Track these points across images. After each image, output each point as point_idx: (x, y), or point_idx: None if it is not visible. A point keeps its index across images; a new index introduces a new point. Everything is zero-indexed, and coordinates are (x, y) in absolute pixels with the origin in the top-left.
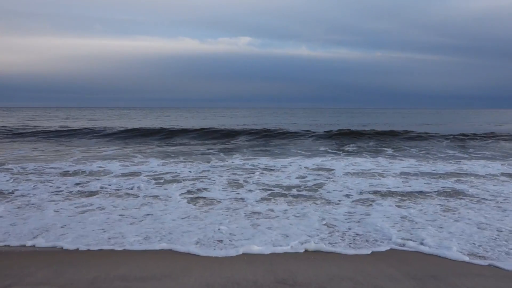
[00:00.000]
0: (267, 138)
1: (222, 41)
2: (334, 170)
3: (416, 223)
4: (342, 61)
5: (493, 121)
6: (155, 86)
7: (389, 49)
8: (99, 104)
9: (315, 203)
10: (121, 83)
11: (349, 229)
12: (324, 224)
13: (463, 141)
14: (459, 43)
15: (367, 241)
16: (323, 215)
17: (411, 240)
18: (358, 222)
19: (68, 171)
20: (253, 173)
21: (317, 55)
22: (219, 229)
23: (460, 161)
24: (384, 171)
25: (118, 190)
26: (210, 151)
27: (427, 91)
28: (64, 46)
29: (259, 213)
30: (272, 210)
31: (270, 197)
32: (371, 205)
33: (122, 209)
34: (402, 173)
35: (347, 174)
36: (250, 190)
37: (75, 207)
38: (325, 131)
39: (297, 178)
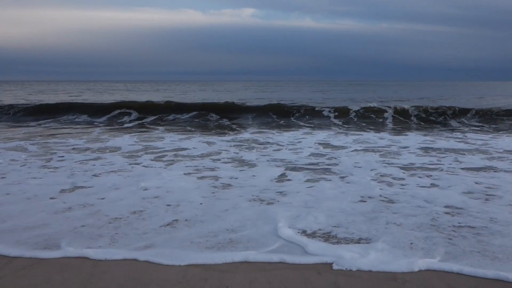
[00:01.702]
0: (276, 113)
1: (226, 13)
2: (349, 147)
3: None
4: (347, 32)
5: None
6: (157, 59)
7: (395, 20)
8: (100, 78)
9: (332, 183)
10: (122, 56)
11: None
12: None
13: (476, 115)
14: (468, 14)
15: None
16: (344, 204)
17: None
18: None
19: (78, 147)
20: (266, 149)
21: (322, 26)
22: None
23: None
24: (401, 148)
25: (114, 169)
26: (220, 123)
27: (435, 63)
28: (64, 18)
29: (272, 199)
30: (284, 194)
31: (284, 176)
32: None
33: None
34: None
35: (365, 150)
36: (263, 167)
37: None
38: (335, 106)
39: (310, 155)
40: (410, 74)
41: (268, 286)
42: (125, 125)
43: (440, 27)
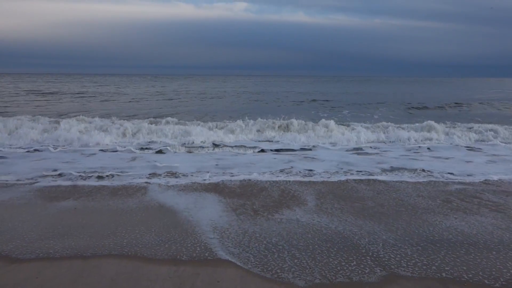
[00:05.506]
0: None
1: (218, 7)
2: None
3: None
4: (340, 28)
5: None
6: (149, 52)
7: (389, 15)
8: (90, 71)
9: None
10: (113, 50)
11: None
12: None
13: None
14: (463, 11)
15: None
16: None
17: None
18: None
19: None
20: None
21: (315, 21)
22: None
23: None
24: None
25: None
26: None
27: (429, 59)
28: (53, 11)
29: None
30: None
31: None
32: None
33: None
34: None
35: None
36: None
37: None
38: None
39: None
40: (403, 70)
41: (259, 280)
42: None
43: (434, 23)
